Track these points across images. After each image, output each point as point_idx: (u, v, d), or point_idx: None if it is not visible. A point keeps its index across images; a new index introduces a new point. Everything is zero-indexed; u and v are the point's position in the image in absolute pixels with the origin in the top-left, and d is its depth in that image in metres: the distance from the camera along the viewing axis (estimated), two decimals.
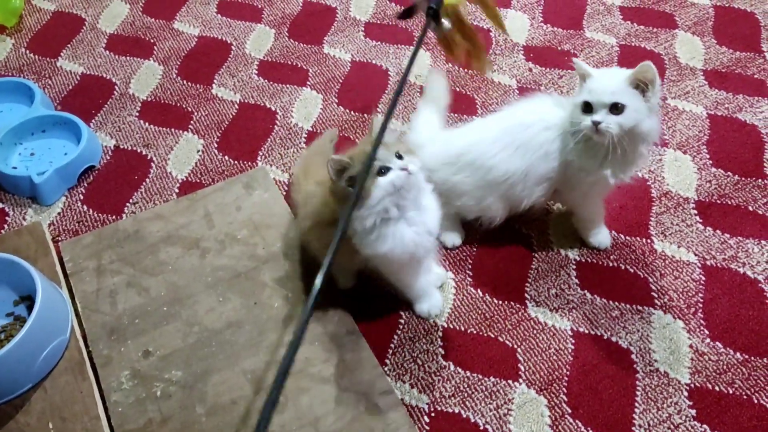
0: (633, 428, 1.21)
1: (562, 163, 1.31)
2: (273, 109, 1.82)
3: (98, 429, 1.20)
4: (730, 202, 1.54)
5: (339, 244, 0.89)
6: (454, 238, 1.49)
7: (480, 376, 1.29)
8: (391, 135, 1.19)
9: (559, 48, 1.94)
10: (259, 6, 2.13)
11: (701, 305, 1.37)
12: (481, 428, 1.23)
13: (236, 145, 1.74)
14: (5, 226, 1.58)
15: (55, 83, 1.91)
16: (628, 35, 1.96)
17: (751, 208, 1.53)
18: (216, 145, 1.74)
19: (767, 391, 1.24)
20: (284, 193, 1.59)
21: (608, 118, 1.20)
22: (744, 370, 1.28)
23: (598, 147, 1.26)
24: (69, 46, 2.02)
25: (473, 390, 1.28)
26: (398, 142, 1.21)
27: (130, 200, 1.62)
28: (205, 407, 1.24)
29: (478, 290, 1.42)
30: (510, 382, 1.28)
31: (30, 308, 1.33)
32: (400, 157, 1.14)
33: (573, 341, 1.34)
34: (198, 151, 1.73)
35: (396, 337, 1.36)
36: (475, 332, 1.36)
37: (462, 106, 1.79)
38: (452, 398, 1.27)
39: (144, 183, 1.66)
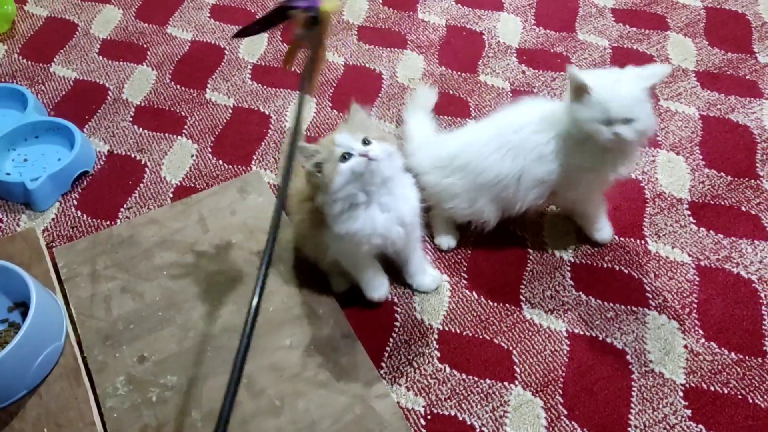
0: (629, 429, 1.21)
1: (560, 164, 1.31)
2: (267, 113, 1.82)
3: None
4: (723, 203, 1.55)
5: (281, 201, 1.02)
6: (448, 241, 1.49)
7: (476, 379, 1.29)
8: (363, 119, 1.20)
9: (552, 50, 1.95)
10: (252, 11, 2.14)
11: (696, 306, 1.38)
12: (477, 431, 1.23)
13: (230, 149, 1.74)
14: None
15: (49, 89, 1.91)
16: (620, 37, 1.97)
17: (744, 209, 1.53)
18: (210, 150, 1.74)
19: (762, 391, 1.25)
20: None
21: (625, 128, 1.21)
22: (738, 369, 1.28)
23: (599, 146, 1.26)
24: (62, 51, 2.02)
25: (469, 392, 1.28)
26: (369, 127, 1.20)
27: (124, 205, 1.62)
28: (200, 412, 1.23)
29: (474, 292, 1.42)
30: (506, 384, 1.28)
31: (24, 314, 1.32)
32: (367, 142, 1.14)
33: (568, 343, 1.34)
34: (192, 156, 1.72)
35: (391, 340, 1.36)
36: (470, 334, 1.36)
37: (456, 110, 1.79)
38: (448, 401, 1.27)
39: (138, 188, 1.66)
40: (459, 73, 1.90)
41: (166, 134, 1.78)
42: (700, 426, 1.21)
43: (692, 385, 1.26)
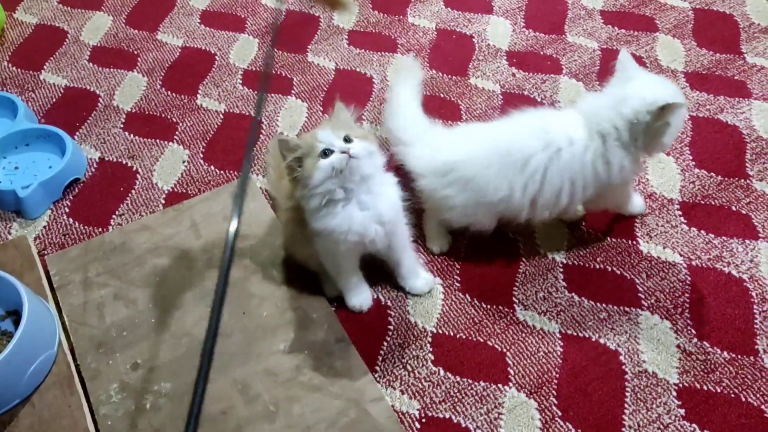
0: (623, 429, 1.22)
1: (594, 172, 1.30)
2: (258, 118, 1.82)
3: None
4: (713, 203, 1.56)
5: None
6: (441, 245, 1.49)
7: (470, 381, 1.29)
8: (347, 118, 1.21)
9: (542, 53, 1.96)
10: (243, 16, 2.14)
11: (688, 305, 1.39)
12: None
13: (222, 154, 1.73)
14: None
15: (39, 96, 1.90)
16: (609, 39, 1.98)
17: (734, 208, 1.54)
18: (201, 156, 1.73)
19: (754, 389, 1.26)
20: (271, 202, 1.59)
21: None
22: (731, 368, 1.29)
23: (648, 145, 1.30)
24: (52, 59, 2.01)
25: (464, 395, 1.28)
26: (352, 125, 1.21)
27: (116, 212, 1.61)
28: None
29: (467, 295, 1.43)
30: (500, 386, 1.29)
31: (17, 323, 1.32)
32: (348, 140, 1.15)
33: (561, 344, 1.34)
34: (184, 162, 1.72)
35: (385, 343, 1.36)
36: (464, 337, 1.36)
37: (447, 113, 1.80)
38: (443, 404, 1.27)
39: (130, 194, 1.65)
40: (449, 76, 1.91)
41: (158, 140, 1.78)
42: (694, 425, 1.22)
43: (685, 384, 1.27)
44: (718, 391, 1.26)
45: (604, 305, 1.40)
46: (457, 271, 1.47)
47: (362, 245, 1.26)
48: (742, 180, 1.60)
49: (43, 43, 2.07)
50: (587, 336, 1.35)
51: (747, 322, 1.35)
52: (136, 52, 2.02)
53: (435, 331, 1.37)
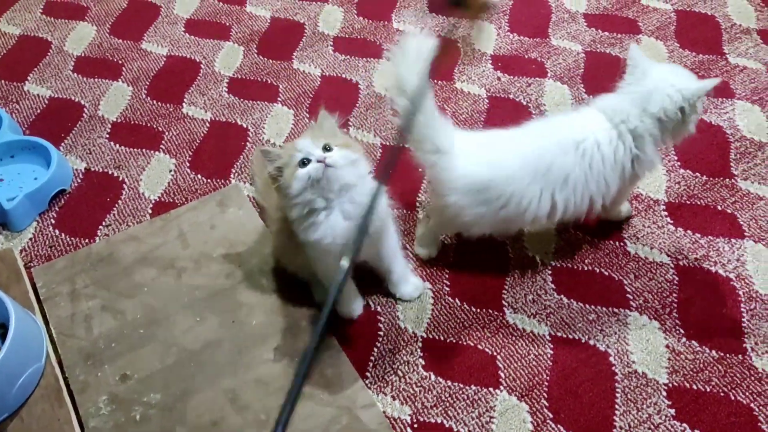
0: (614, 430, 1.22)
1: (622, 170, 1.31)
2: (244, 126, 1.82)
3: None
4: (699, 203, 1.57)
5: None
6: (430, 251, 1.49)
7: (461, 385, 1.29)
8: (330, 126, 1.20)
9: (526, 56, 1.97)
10: (227, 24, 2.13)
11: (676, 305, 1.39)
12: None
13: (209, 163, 1.73)
14: None
15: (23, 108, 1.89)
16: (593, 41, 2.00)
17: (719, 208, 1.56)
18: (188, 164, 1.73)
19: (743, 388, 1.26)
20: (258, 210, 1.58)
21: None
22: (720, 367, 1.30)
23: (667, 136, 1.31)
24: (36, 69, 2.00)
25: (455, 399, 1.28)
26: (336, 134, 1.20)
27: (103, 223, 1.60)
28: (185, 429, 1.22)
29: (456, 299, 1.43)
30: (491, 389, 1.29)
31: (3, 336, 1.30)
32: (328, 149, 1.15)
33: (551, 346, 1.35)
34: (170, 171, 1.71)
35: (376, 349, 1.35)
36: (454, 341, 1.36)
37: None
38: (434, 408, 1.27)
39: (116, 205, 1.64)
40: (435, 80, 1.91)
41: (144, 150, 1.77)
42: (684, 425, 1.22)
43: (675, 384, 1.28)
44: (708, 390, 1.27)
45: (593, 307, 1.40)
46: (447, 276, 1.47)
47: None
48: (727, 179, 1.61)
49: (27, 54, 2.05)
50: (577, 338, 1.36)
51: (735, 320, 1.36)
52: (120, 62, 2.02)
53: (425, 336, 1.37)
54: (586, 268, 1.47)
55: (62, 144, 1.79)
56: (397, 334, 1.38)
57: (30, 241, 1.57)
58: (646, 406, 1.25)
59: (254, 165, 1.60)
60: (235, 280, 1.42)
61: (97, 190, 1.68)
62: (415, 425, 1.25)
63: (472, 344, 1.36)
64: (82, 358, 1.32)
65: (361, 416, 1.23)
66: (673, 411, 1.24)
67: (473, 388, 1.29)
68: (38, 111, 1.88)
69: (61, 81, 1.97)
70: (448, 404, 1.27)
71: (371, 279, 1.42)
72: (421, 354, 1.34)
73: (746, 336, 1.34)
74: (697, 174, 1.63)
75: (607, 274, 1.46)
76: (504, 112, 1.81)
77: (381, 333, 1.38)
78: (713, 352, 1.32)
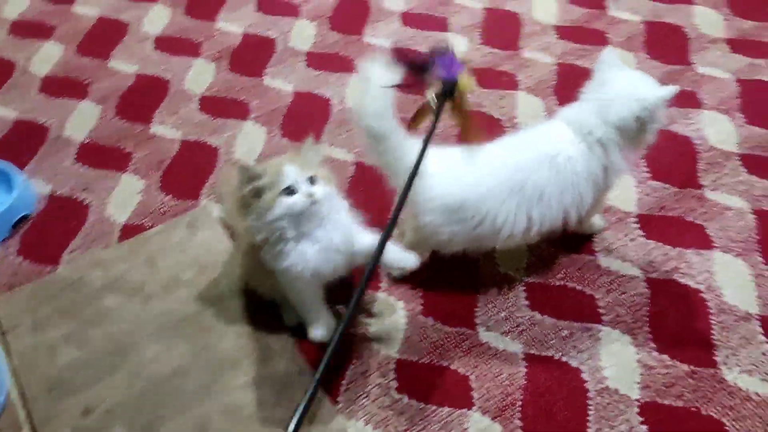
0: None
1: (595, 180, 1.31)
2: (215, 144, 1.80)
3: None
4: (670, 214, 1.58)
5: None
6: (403, 271, 1.46)
7: (434, 407, 1.28)
8: (314, 154, 1.19)
9: (498, 69, 1.97)
10: (198, 40, 2.11)
11: (648, 319, 1.39)
12: None
13: (178, 184, 1.70)
14: None
15: None
16: (564, 54, 2.00)
17: (689, 219, 1.56)
18: (157, 186, 1.70)
19: (715, 402, 1.26)
20: (228, 231, 1.56)
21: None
22: (691, 381, 1.30)
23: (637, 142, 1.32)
24: (0, 91, 1.96)
25: (428, 422, 1.26)
26: (319, 164, 1.19)
27: (68, 248, 1.57)
28: None
29: (429, 318, 1.42)
30: (464, 410, 1.28)
31: None
32: (314, 181, 1.13)
33: (525, 364, 1.34)
34: (138, 193, 1.69)
35: (348, 372, 1.34)
36: (427, 362, 1.35)
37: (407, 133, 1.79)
38: None
39: (82, 229, 1.61)
40: (407, 95, 1.90)
41: (111, 172, 1.74)
42: None
43: (647, 399, 1.27)
44: (680, 405, 1.26)
45: (565, 322, 1.40)
46: (420, 295, 1.46)
47: (324, 276, 1.24)
48: (696, 190, 1.62)
49: None
50: (550, 355, 1.35)
51: (705, 333, 1.36)
52: (87, 81, 1.99)
53: (398, 357, 1.36)
54: (558, 283, 1.46)
55: (26, 167, 1.76)
56: (370, 356, 1.36)
57: None
58: (618, 423, 1.25)
59: (222, 183, 1.58)
60: (205, 304, 1.40)
61: (63, 215, 1.64)
62: None
63: (445, 364, 1.35)
64: (45, 389, 1.29)
65: None
66: (645, 428, 1.24)
67: (446, 409, 1.28)
68: (2, 134, 1.85)
69: (26, 102, 1.93)
70: (421, 427, 1.26)
71: (345, 300, 1.40)
72: (394, 376, 1.33)
73: (717, 349, 1.34)
74: (667, 185, 1.64)
75: (579, 288, 1.45)
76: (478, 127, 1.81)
77: (353, 355, 1.36)
78: (684, 365, 1.32)
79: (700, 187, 1.63)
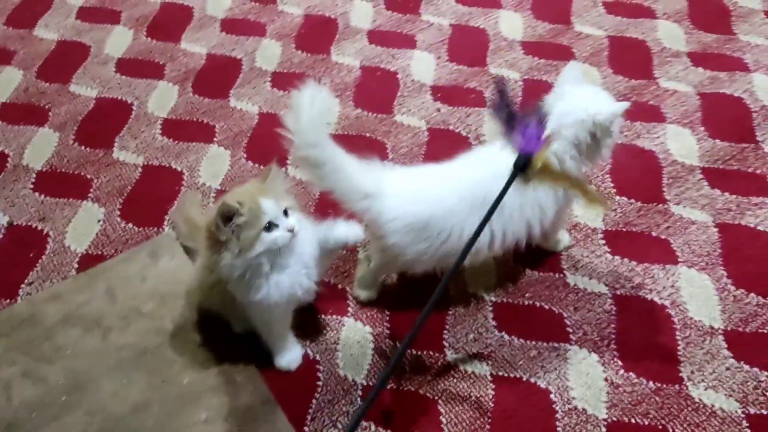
0: None
1: (555, 194, 1.31)
2: (179, 169, 1.77)
3: None
4: (635, 230, 1.58)
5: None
6: (370, 294, 1.46)
7: None
8: (280, 182, 1.18)
9: (465, 86, 1.97)
10: (162, 62, 2.09)
11: (614, 336, 1.39)
12: None
13: (140, 210, 1.67)
14: None
15: None
16: (530, 69, 2.01)
17: (654, 234, 1.57)
18: (119, 213, 1.67)
19: (681, 419, 1.26)
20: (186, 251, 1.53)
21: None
22: (657, 399, 1.29)
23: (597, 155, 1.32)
24: None
25: None
26: (284, 190, 1.18)
27: (26, 281, 1.53)
28: None
29: (397, 342, 1.40)
30: None
31: None
32: (287, 213, 1.13)
33: (493, 386, 1.33)
34: (99, 221, 1.65)
35: (314, 401, 1.31)
36: (395, 387, 1.33)
37: (373, 152, 1.77)
38: None
39: (40, 261, 1.57)
40: (375, 114, 1.90)
41: (70, 200, 1.70)
42: None
43: (614, 419, 1.27)
44: (646, 423, 1.26)
45: (533, 342, 1.39)
46: (387, 318, 1.44)
47: (298, 299, 1.23)
48: (660, 205, 1.63)
49: None
50: (518, 376, 1.34)
51: (670, 349, 1.36)
52: (47, 107, 1.95)
53: (365, 383, 1.34)
54: (526, 303, 1.46)
55: None
56: (337, 383, 1.34)
57: None
58: None
59: (181, 209, 1.55)
60: (165, 336, 1.37)
61: (20, 246, 1.60)
62: None
63: (413, 389, 1.33)
64: (1, 430, 1.24)
65: None
66: None
67: None
68: None
69: None
70: None
71: (310, 326, 1.38)
72: (361, 403, 1.31)
73: (682, 365, 1.34)
74: (632, 200, 1.64)
75: (547, 307, 1.45)
76: (444, 144, 1.80)
77: (320, 383, 1.34)
78: (650, 383, 1.32)
79: (664, 201, 1.63)
